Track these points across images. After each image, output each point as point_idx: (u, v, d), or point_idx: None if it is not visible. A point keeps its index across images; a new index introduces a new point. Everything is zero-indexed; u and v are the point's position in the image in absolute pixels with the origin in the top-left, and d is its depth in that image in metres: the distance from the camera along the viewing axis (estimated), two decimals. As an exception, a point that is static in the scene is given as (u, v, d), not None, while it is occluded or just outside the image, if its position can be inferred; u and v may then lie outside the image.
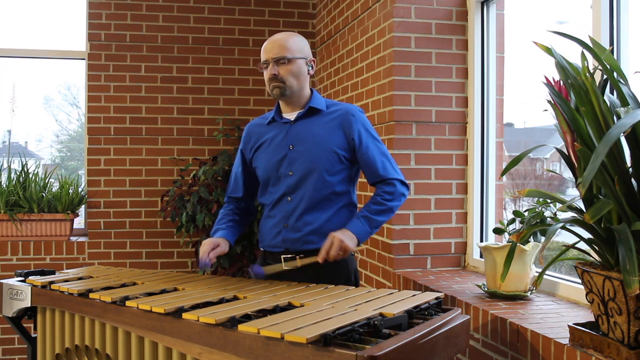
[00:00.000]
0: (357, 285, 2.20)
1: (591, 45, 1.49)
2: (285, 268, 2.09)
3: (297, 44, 2.12)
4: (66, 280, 2.19)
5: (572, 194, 2.41)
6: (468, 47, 2.95)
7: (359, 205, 2.28)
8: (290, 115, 2.18)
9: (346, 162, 2.15)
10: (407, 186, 2.18)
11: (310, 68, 2.17)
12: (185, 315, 1.60)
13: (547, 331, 1.79)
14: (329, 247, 1.98)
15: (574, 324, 1.65)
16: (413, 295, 1.74)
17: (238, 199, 2.33)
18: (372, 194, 2.17)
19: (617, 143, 1.40)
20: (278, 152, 2.16)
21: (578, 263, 1.59)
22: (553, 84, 1.56)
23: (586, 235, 1.56)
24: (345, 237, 1.99)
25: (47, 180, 4.02)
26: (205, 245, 2.11)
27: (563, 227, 1.57)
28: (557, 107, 1.53)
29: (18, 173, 3.96)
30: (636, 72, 1.52)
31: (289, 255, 2.13)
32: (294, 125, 2.17)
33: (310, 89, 2.22)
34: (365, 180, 2.29)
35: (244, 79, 4.27)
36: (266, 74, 2.13)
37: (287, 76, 2.10)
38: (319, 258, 1.99)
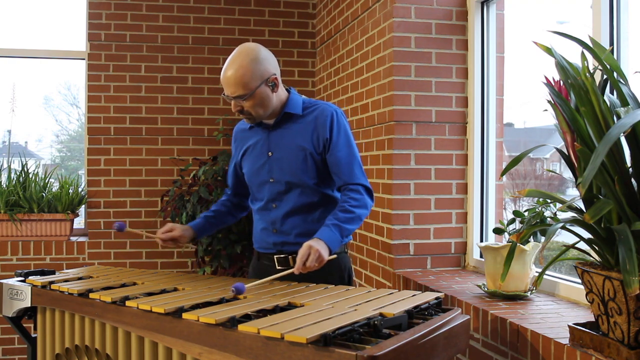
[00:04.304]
0: (350, 284, 2.20)
1: (591, 45, 1.49)
2: (263, 281, 1.97)
3: (252, 74, 1.98)
4: (66, 280, 2.19)
5: (572, 194, 2.41)
6: (468, 47, 2.95)
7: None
8: (269, 120, 2.16)
9: (324, 164, 2.13)
10: (371, 194, 2.11)
11: (273, 85, 2.04)
12: (185, 315, 1.60)
13: (547, 331, 1.79)
14: (306, 258, 1.89)
15: (574, 324, 1.65)
16: (413, 295, 1.74)
17: (231, 194, 2.40)
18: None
19: (617, 143, 1.40)
20: (259, 158, 2.17)
21: (578, 263, 1.59)
22: (553, 84, 1.56)
23: (586, 235, 1.56)
24: (320, 247, 1.90)
25: (47, 180, 4.02)
26: (165, 226, 2.21)
27: (563, 227, 1.57)
28: (557, 107, 1.53)
29: (18, 173, 3.96)
30: (636, 72, 1.52)
31: (282, 256, 2.16)
32: (272, 131, 2.16)
33: (288, 89, 2.17)
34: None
35: (244, 79, 4.27)
36: (232, 106, 2.07)
37: (252, 109, 2.04)
38: (296, 270, 1.90)
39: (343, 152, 2.10)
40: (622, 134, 1.36)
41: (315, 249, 1.89)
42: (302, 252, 1.91)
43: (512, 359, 1.93)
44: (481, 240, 2.88)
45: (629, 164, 1.44)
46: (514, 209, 2.50)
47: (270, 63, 2.05)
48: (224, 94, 2.06)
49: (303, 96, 2.22)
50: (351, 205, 2.03)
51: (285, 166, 2.12)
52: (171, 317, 1.64)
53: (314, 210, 2.13)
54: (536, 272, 2.28)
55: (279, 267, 2.14)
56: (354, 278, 2.57)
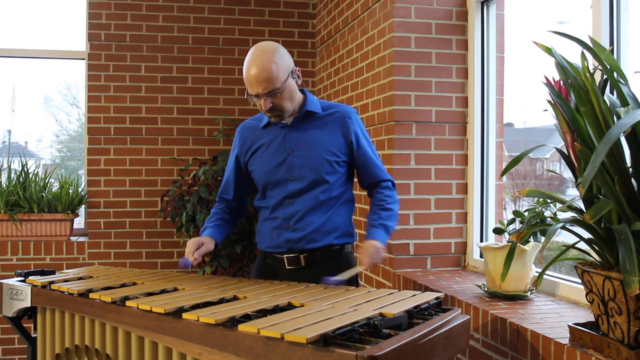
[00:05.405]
0: (357, 285, 2.20)
1: (591, 45, 1.49)
2: (345, 276, 2.04)
3: (280, 67, 1.98)
4: (66, 280, 2.19)
5: (572, 194, 2.41)
6: (468, 47, 2.95)
7: (357, 204, 2.29)
8: (286, 119, 2.14)
9: (345, 164, 2.16)
10: (395, 187, 2.25)
11: (297, 78, 2.08)
12: (185, 315, 1.60)
13: (547, 331, 1.79)
14: (373, 256, 2.00)
15: (574, 324, 1.65)
16: (413, 295, 1.74)
17: (229, 199, 2.33)
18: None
19: (617, 143, 1.40)
20: (276, 156, 2.15)
21: (578, 263, 1.59)
22: (553, 84, 1.56)
23: (586, 235, 1.56)
24: (380, 246, 2.03)
25: (47, 180, 4.02)
26: (190, 244, 2.10)
27: (563, 227, 1.57)
28: (557, 107, 1.53)
29: (18, 173, 3.96)
30: (636, 72, 1.52)
31: (292, 255, 2.14)
32: (291, 129, 2.15)
33: (302, 90, 2.17)
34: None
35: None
36: (260, 105, 2.04)
37: (283, 103, 2.04)
38: (367, 267, 2.02)
39: (368, 151, 2.19)
40: (622, 134, 1.36)
41: (379, 247, 2.02)
42: (369, 250, 2.01)
43: (512, 359, 1.93)
44: (481, 240, 2.88)
45: (629, 164, 1.44)
46: (514, 209, 2.50)
47: (289, 56, 2.08)
48: (251, 95, 2.03)
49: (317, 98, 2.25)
50: (389, 203, 2.16)
51: (307, 164, 2.12)
52: (171, 317, 1.64)
53: (330, 207, 2.15)
54: (536, 272, 2.27)
55: (289, 267, 2.14)
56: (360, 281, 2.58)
